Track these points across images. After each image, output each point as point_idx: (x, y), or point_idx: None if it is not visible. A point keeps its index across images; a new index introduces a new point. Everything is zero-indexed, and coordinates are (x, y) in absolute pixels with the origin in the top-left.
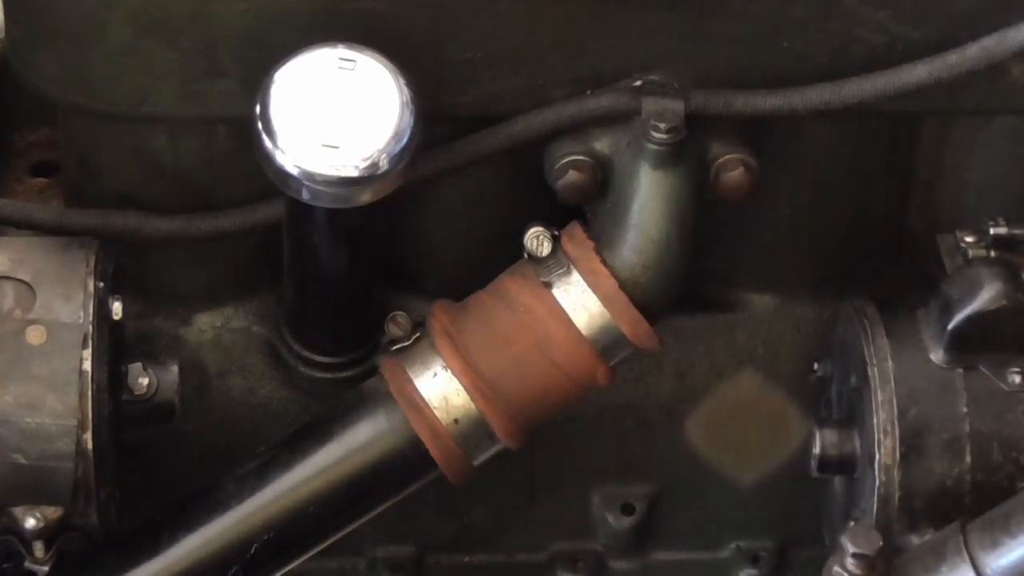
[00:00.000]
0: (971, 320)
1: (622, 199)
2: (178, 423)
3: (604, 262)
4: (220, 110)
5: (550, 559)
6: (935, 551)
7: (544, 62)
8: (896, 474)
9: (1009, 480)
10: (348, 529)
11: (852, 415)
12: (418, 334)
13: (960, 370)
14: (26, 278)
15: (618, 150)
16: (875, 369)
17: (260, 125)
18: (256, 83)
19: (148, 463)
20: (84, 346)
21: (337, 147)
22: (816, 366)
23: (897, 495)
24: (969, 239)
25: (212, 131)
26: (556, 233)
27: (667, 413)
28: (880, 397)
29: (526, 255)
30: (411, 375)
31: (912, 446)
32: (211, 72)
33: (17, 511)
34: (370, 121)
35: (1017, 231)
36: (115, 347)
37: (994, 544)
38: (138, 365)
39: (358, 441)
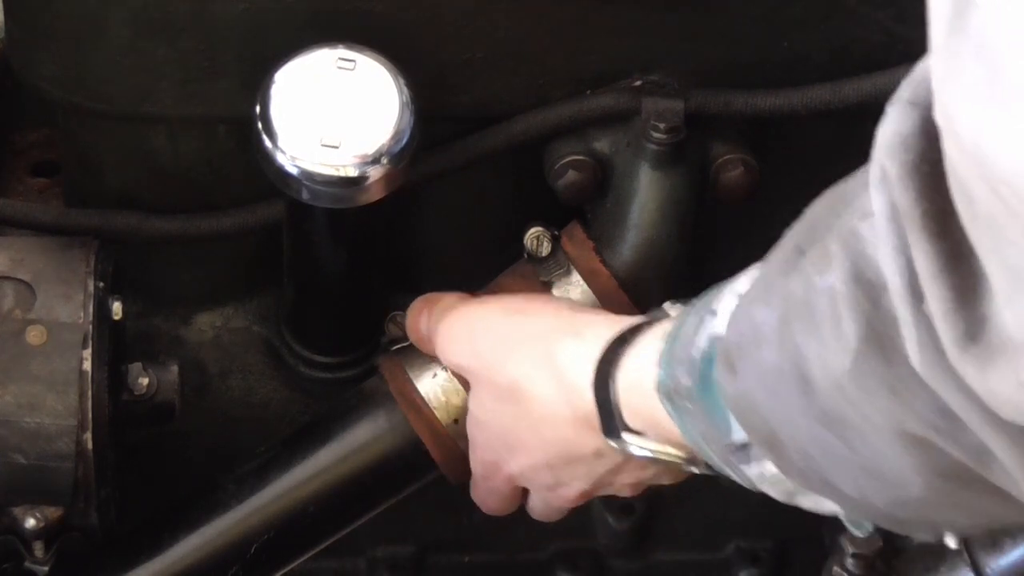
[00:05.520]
0: None
1: (622, 199)
2: (178, 423)
3: (604, 262)
4: (220, 110)
5: (550, 559)
6: (935, 551)
7: (544, 62)
8: None
9: None
10: (348, 529)
11: None
12: None
13: None
14: (26, 278)
15: (618, 150)
16: None
17: (260, 125)
18: (256, 83)
19: (148, 463)
20: (84, 346)
21: (337, 147)
22: None
23: None
24: None
25: (212, 131)
26: (556, 233)
27: None
28: None
29: (526, 255)
30: (411, 375)
31: None
32: (211, 72)
33: (17, 511)
34: (370, 121)
35: None
36: (115, 347)
37: (994, 544)
38: (138, 365)
39: (358, 441)
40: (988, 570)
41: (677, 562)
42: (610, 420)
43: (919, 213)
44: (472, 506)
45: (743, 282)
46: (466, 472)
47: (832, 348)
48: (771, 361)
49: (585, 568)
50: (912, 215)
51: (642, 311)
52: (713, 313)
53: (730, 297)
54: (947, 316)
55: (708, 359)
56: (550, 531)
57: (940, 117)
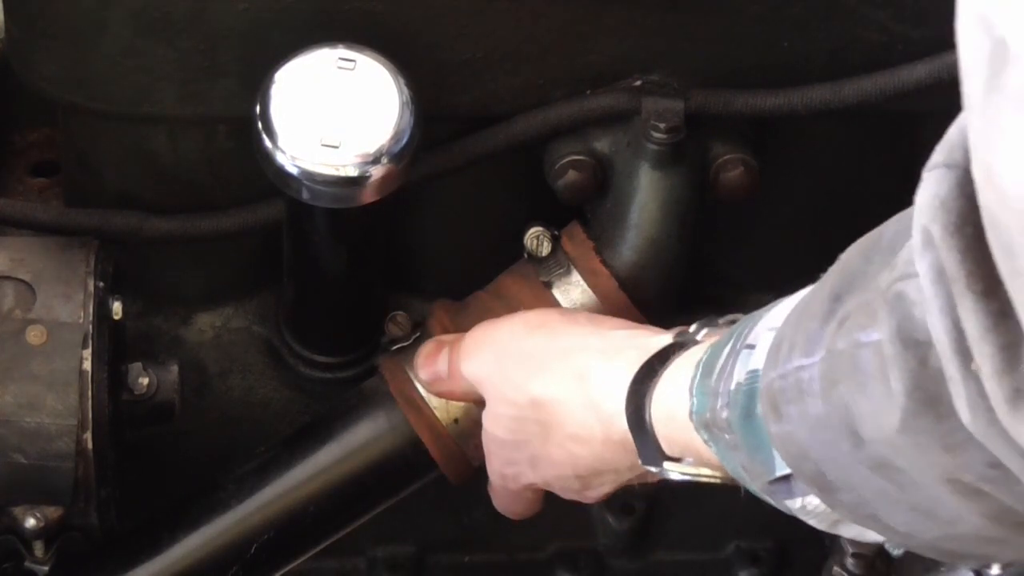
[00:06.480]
0: None
1: (622, 199)
2: (178, 423)
3: (604, 262)
4: (220, 110)
5: (550, 559)
6: None
7: (544, 62)
8: None
9: None
10: (348, 529)
11: None
12: (418, 334)
13: None
14: (26, 278)
15: (618, 150)
16: None
17: (260, 125)
18: (256, 83)
19: (148, 463)
20: (84, 346)
21: (337, 147)
22: None
23: None
24: None
25: (212, 131)
26: (556, 233)
27: None
28: None
29: (526, 255)
30: (411, 375)
31: None
32: (211, 72)
33: (17, 511)
34: (370, 121)
35: None
36: (115, 347)
37: None
38: (138, 365)
39: (358, 441)
40: (988, 570)
41: (677, 562)
42: (648, 451)
43: (964, 273)
44: (472, 506)
45: (776, 317)
46: (466, 472)
47: (881, 405)
48: (817, 412)
49: (585, 568)
50: (958, 276)
51: (642, 311)
52: (750, 348)
53: (766, 332)
54: (996, 376)
55: (749, 393)
56: (550, 531)
57: (979, 173)
